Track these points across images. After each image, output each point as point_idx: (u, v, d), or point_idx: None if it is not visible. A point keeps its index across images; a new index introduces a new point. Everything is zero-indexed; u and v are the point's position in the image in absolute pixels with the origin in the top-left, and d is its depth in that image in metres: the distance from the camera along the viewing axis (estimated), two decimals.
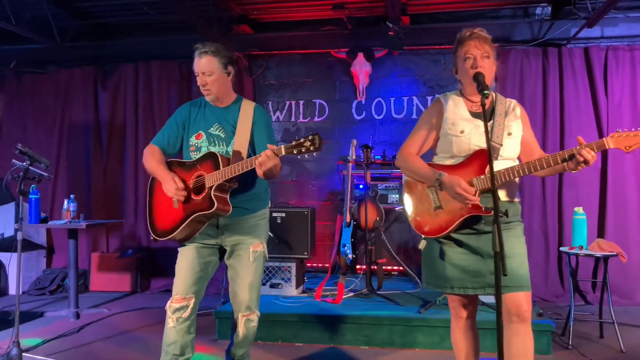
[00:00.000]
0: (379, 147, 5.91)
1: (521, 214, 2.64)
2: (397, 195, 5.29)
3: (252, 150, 2.85)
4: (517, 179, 2.54)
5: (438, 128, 2.64)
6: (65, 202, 5.06)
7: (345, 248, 4.52)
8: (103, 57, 6.45)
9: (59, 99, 6.56)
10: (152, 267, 6.27)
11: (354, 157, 4.70)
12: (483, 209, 2.40)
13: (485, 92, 2.35)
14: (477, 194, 2.42)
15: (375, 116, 6.05)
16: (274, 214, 4.90)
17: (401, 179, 5.20)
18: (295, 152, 2.53)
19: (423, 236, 2.59)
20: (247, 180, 2.81)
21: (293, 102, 6.22)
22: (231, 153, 2.79)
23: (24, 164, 3.39)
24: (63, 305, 5.23)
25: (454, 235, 2.53)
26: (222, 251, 2.95)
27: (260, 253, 2.91)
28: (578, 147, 2.29)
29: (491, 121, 2.55)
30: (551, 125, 5.59)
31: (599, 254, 3.92)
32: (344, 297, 4.49)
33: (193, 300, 2.82)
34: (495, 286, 2.11)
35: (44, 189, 6.45)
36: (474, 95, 2.60)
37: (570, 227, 4.17)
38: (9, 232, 6.13)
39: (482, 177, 2.43)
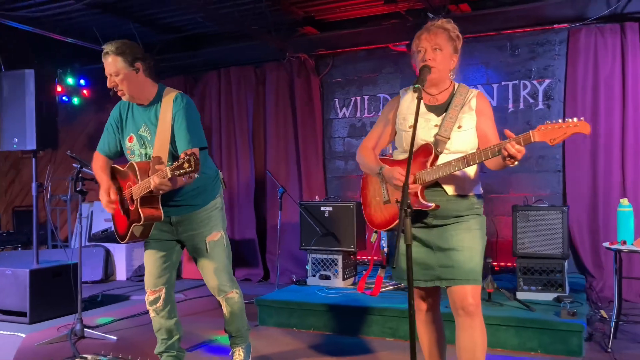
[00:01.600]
0: None
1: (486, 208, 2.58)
2: None
3: (175, 149, 2.82)
4: (471, 173, 2.49)
5: (394, 123, 2.66)
6: None
7: (383, 241, 4.56)
8: (191, 67, 7.09)
9: None
10: (235, 257, 6.75)
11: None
12: (424, 203, 2.40)
13: (416, 85, 2.37)
14: (420, 188, 2.42)
15: None
16: (322, 208, 5.09)
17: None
18: (177, 173, 2.50)
19: (374, 229, 2.65)
20: None
21: (358, 98, 6.33)
22: (150, 156, 2.82)
23: (77, 167, 3.98)
24: None
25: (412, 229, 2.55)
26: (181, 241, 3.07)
27: (217, 242, 3.02)
28: (504, 141, 2.20)
29: (444, 114, 2.52)
30: (631, 109, 5.08)
31: None
32: (382, 289, 4.56)
33: (164, 290, 3.04)
34: (407, 278, 2.14)
35: None
36: (431, 87, 2.60)
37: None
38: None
39: (424, 171, 2.43)
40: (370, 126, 6.11)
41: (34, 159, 4.80)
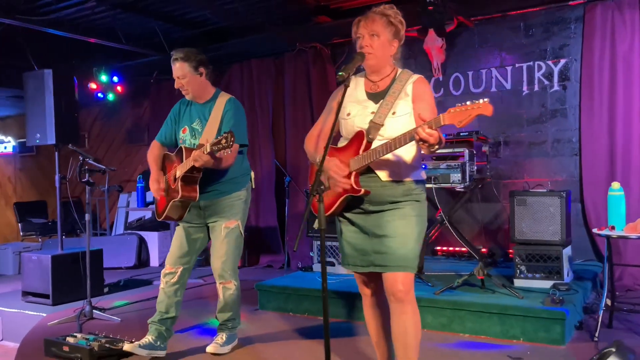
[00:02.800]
0: (447, 125, 5.70)
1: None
2: (459, 175, 5.10)
3: None
4: (408, 158, 2.49)
5: (337, 111, 2.69)
6: None
7: None
8: (215, 61, 7.29)
9: None
10: (260, 244, 6.96)
11: None
12: (355, 188, 2.43)
13: (340, 72, 2.41)
14: (353, 175, 2.45)
15: (453, 92, 5.84)
16: None
17: (463, 157, 5.03)
18: (215, 148, 2.90)
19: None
20: (220, 170, 3.23)
21: None
22: (197, 145, 3.23)
23: (81, 159, 4.26)
24: None
25: (347, 214, 2.60)
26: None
27: (233, 229, 3.31)
28: (417, 126, 2.20)
29: (381, 101, 2.54)
30: None
31: (634, 235, 3.40)
32: None
33: (180, 269, 3.37)
34: (321, 262, 2.19)
35: None
36: (372, 74, 2.62)
37: None
38: (148, 215, 7.40)
39: (357, 157, 2.46)
40: None
41: (56, 153, 5.16)
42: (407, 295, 2.41)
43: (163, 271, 3.41)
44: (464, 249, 5.47)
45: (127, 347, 3.23)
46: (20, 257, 5.31)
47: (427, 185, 5.01)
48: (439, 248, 5.86)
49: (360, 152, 2.45)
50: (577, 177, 5.20)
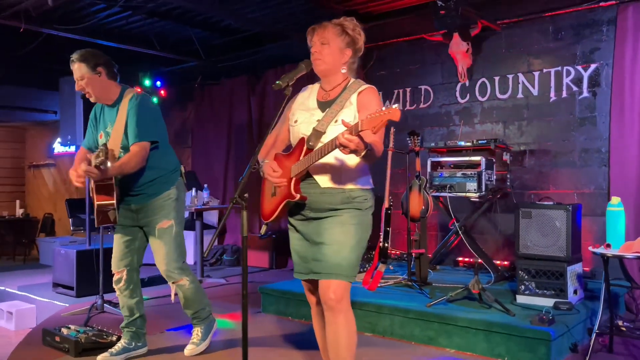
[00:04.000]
0: (472, 132, 5.52)
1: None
2: (474, 184, 4.92)
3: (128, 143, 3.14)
4: (350, 165, 2.45)
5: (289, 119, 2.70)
6: (193, 190, 6.19)
7: (380, 236, 4.51)
8: (251, 66, 7.47)
9: (226, 104, 7.87)
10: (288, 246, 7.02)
11: (392, 144, 4.61)
12: (292, 194, 2.43)
13: (277, 82, 2.43)
14: (293, 181, 2.45)
15: (480, 98, 5.64)
16: None
17: (479, 166, 4.85)
18: (95, 163, 2.89)
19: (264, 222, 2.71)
20: (142, 169, 3.17)
21: (400, 91, 6.22)
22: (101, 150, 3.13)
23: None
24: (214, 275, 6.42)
25: (291, 220, 2.61)
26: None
27: (167, 229, 3.28)
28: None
29: (328, 109, 2.52)
30: None
31: (630, 255, 3.16)
32: (382, 285, 4.51)
33: (125, 271, 3.38)
34: (242, 270, 2.21)
35: (217, 178, 7.89)
36: (325, 83, 2.62)
37: None
38: (185, 214, 7.66)
39: (297, 163, 2.45)
40: (411, 119, 6.02)
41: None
42: (339, 304, 2.38)
43: (113, 278, 3.43)
44: (480, 260, 5.26)
45: (99, 358, 3.29)
46: (53, 251, 5.67)
47: (442, 194, 4.95)
48: (460, 259, 5.69)
49: (301, 158, 2.44)
50: (606, 190, 4.87)
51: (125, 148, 3.17)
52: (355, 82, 2.57)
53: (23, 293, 5.75)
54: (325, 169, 2.43)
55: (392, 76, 6.29)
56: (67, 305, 5.00)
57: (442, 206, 5.16)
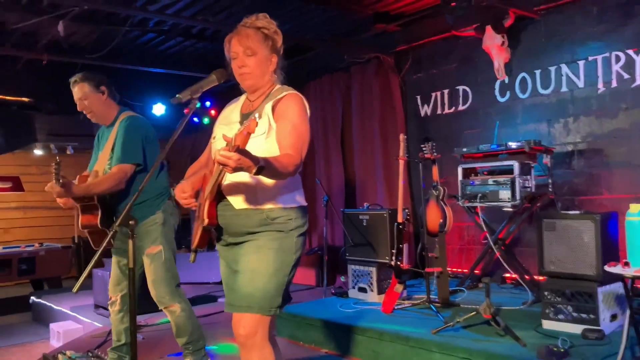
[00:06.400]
0: (514, 133, 4.95)
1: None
2: (508, 192, 4.38)
3: None
4: (267, 182, 2.19)
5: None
6: None
7: (393, 253, 4.13)
8: (296, 76, 7.31)
9: None
10: (336, 263, 6.75)
11: (403, 153, 4.20)
12: (202, 218, 2.21)
13: (177, 95, 2.24)
14: (207, 202, 2.23)
15: (520, 95, 5.05)
16: (361, 217, 4.81)
17: (512, 172, 4.33)
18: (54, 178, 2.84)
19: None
20: (125, 192, 3.13)
21: (438, 93, 5.76)
22: (93, 172, 3.19)
23: None
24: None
25: (217, 246, 2.39)
26: None
27: (156, 255, 3.18)
28: None
29: (245, 120, 2.28)
30: None
31: None
32: (398, 307, 4.14)
33: (119, 296, 3.34)
34: (130, 299, 2.03)
35: None
36: (251, 94, 2.38)
37: None
38: None
39: (208, 183, 2.24)
40: (445, 122, 5.57)
41: None
42: (250, 340, 2.12)
43: (108, 301, 3.40)
44: (535, 277, 4.66)
45: None
46: (92, 272, 5.84)
47: (474, 204, 4.47)
48: (508, 275, 5.10)
49: (212, 177, 2.22)
50: None
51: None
52: (278, 89, 2.31)
53: (73, 314, 5.98)
54: (239, 188, 2.18)
55: (429, 78, 5.85)
56: (101, 325, 5.10)
57: (477, 218, 4.66)
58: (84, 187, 3.04)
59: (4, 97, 5.67)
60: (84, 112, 3.25)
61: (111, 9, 5.16)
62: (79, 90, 3.20)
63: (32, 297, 6.89)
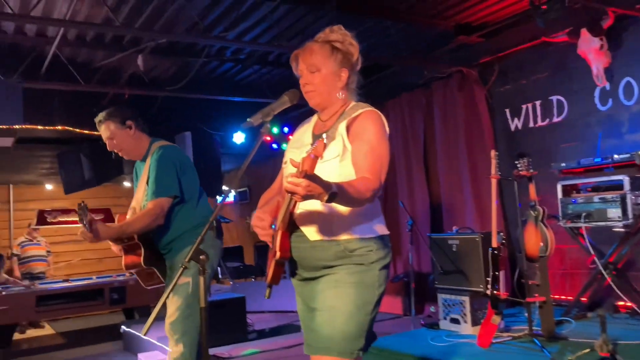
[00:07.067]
0: (619, 144, 4.43)
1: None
2: (618, 210, 3.90)
3: None
4: (343, 210, 1.97)
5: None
6: None
7: (488, 280, 3.76)
8: (372, 95, 7.10)
9: None
10: (423, 291, 6.38)
11: (495, 171, 3.83)
12: (275, 250, 2.02)
13: (248, 119, 2.08)
14: (279, 234, 2.04)
15: (625, 102, 4.55)
16: (450, 241, 4.48)
17: (622, 188, 3.87)
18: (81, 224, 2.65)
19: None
20: (168, 223, 2.93)
21: (529, 105, 5.33)
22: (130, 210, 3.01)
23: None
24: None
25: (293, 282, 2.19)
26: None
27: (183, 287, 2.87)
28: None
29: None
30: None
31: None
32: (497, 340, 3.74)
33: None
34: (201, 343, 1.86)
35: None
36: (322, 113, 2.19)
37: None
38: None
39: (280, 213, 2.05)
40: (539, 135, 5.15)
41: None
42: None
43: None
44: None
45: None
46: None
47: (578, 225, 4.03)
48: (621, 303, 4.54)
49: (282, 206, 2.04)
50: None
51: None
52: (353, 106, 2.10)
53: (160, 344, 6.00)
54: (312, 217, 1.98)
55: (518, 90, 5.44)
56: None
57: (581, 239, 4.19)
58: (116, 229, 2.82)
59: (92, 132, 5.85)
60: (115, 150, 3.07)
61: (190, 40, 5.22)
62: (106, 130, 3.02)
63: (122, 326, 7.02)
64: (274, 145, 7.85)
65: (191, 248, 1.94)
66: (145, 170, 3.01)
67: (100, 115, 3.04)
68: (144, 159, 3.10)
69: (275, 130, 7.72)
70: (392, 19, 5.14)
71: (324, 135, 1.66)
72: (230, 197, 10.95)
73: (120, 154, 3.11)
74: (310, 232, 1.98)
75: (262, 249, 8.92)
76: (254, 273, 8.30)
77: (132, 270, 3.04)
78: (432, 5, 5.01)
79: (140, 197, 3.01)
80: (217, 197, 5.22)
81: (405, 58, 5.76)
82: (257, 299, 6.96)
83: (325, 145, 1.61)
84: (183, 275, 2.92)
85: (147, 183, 2.98)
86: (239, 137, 7.54)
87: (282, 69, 6.47)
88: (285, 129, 7.82)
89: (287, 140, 7.57)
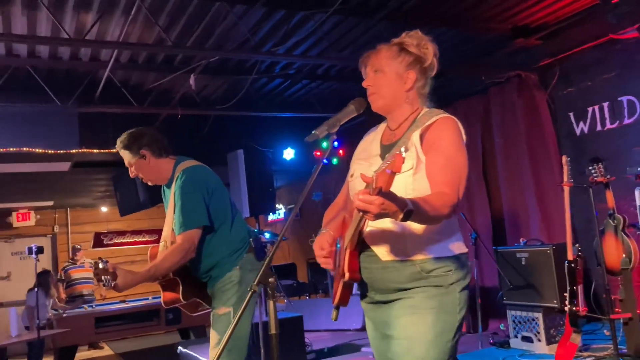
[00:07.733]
0: None
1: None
2: None
3: None
4: (418, 228, 1.80)
5: None
6: None
7: (565, 296, 3.48)
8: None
9: None
10: (487, 307, 6.08)
11: (567, 178, 3.57)
12: (344, 272, 1.87)
13: (313, 131, 1.95)
14: (347, 253, 1.89)
15: None
16: (518, 255, 4.22)
17: None
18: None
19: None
20: (201, 253, 2.77)
21: (596, 107, 5.02)
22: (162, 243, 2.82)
23: None
24: None
25: (362, 304, 2.02)
26: None
27: (222, 317, 2.73)
28: None
29: (388, 154, 1.92)
30: None
31: None
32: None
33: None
34: None
35: None
36: (391, 121, 2.04)
37: None
38: None
39: (348, 231, 1.90)
40: (609, 138, 4.84)
41: (257, 223, 5.53)
42: None
43: None
44: None
45: None
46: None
47: None
48: None
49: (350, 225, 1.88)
50: None
51: None
52: (426, 113, 1.93)
53: None
54: (384, 236, 1.81)
55: (583, 92, 5.15)
56: None
57: None
58: (143, 274, 2.62)
59: None
60: (137, 177, 2.90)
61: (241, 56, 5.19)
62: (124, 158, 2.88)
63: (179, 347, 6.99)
64: (324, 161, 7.71)
65: (257, 271, 1.79)
66: (172, 198, 2.81)
67: (117, 144, 2.89)
68: (169, 184, 2.88)
69: (324, 145, 7.61)
70: (444, 25, 4.97)
71: (403, 149, 1.49)
72: (280, 214, 10.89)
73: (143, 180, 2.93)
74: (382, 252, 1.82)
75: (315, 266, 8.79)
76: (307, 291, 8.17)
77: (169, 306, 2.88)
78: (488, 9, 4.82)
79: (169, 229, 2.82)
80: (270, 214, 5.12)
81: (460, 65, 5.55)
82: (312, 317, 6.81)
83: (403, 160, 1.44)
84: (223, 305, 2.80)
85: (175, 212, 2.79)
86: (288, 154, 7.48)
87: (331, 83, 6.39)
88: (335, 143, 7.68)
89: (336, 154, 7.46)
